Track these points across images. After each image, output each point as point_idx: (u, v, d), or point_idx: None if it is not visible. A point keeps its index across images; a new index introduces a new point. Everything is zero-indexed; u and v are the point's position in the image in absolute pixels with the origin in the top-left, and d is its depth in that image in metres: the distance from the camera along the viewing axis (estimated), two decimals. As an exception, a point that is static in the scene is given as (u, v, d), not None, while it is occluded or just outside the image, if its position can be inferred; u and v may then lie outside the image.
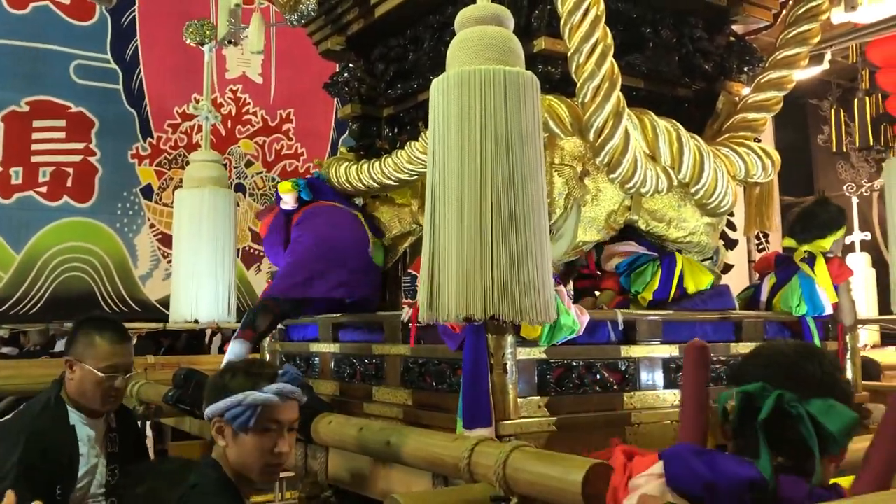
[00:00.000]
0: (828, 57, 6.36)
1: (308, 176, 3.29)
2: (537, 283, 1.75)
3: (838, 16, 6.18)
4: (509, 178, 1.80)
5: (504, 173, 1.80)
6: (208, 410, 1.86)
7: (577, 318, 2.22)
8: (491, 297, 1.75)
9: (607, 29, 2.39)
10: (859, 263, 6.79)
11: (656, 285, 2.65)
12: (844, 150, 8.25)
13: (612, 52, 2.39)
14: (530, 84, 1.87)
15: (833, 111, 8.18)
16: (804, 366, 1.23)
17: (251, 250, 7.49)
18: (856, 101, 7.54)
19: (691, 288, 2.68)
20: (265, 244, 3.26)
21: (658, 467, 1.14)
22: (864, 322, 5.96)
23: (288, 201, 3.09)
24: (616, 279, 2.85)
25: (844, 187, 7.48)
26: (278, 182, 7.89)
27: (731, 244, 3.35)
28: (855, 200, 7.21)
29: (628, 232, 2.76)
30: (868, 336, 6.66)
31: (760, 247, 8.20)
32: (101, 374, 2.30)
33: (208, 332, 6.94)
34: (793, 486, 1.12)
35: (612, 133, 2.42)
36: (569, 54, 2.40)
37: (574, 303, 2.37)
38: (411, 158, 2.88)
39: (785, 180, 10.21)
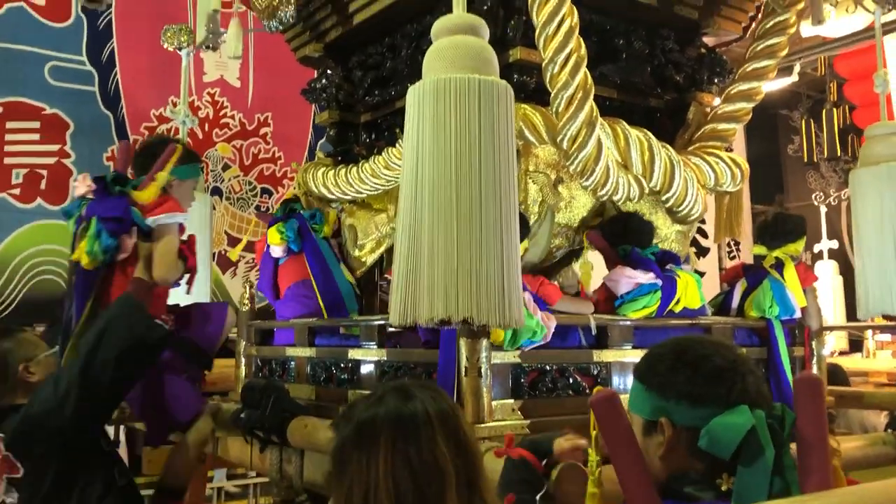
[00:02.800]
0: (797, 69, 6.49)
1: (290, 204, 3.33)
2: (506, 287, 1.78)
3: (808, 29, 6.33)
4: (482, 184, 1.83)
5: (477, 179, 1.83)
6: None
7: (542, 323, 2.26)
8: (461, 301, 1.78)
9: (581, 40, 2.45)
10: (827, 271, 6.92)
11: (648, 312, 2.63)
12: (815, 160, 8.40)
13: (585, 63, 2.45)
14: (504, 93, 1.91)
15: (803, 122, 8.34)
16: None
17: (227, 254, 7.45)
18: (824, 112, 7.69)
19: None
20: (260, 266, 3.34)
21: None
22: (832, 328, 6.08)
23: (276, 251, 3.15)
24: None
25: (813, 196, 7.63)
26: (255, 186, 7.95)
27: (702, 251, 3.42)
28: (823, 209, 7.35)
29: (632, 254, 2.74)
30: (836, 342, 6.80)
31: (731, 254, 8.33)
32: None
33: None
34: None
35: (586, 142, 2.47)
36: (543, 64, 2.45)
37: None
38: (388, 164, 2.92)
39: (756, 189, 10.39)
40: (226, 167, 7.73)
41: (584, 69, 2.43)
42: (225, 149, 7.70)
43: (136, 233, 2.46)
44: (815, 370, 3.12)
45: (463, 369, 2.25)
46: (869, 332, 6.41)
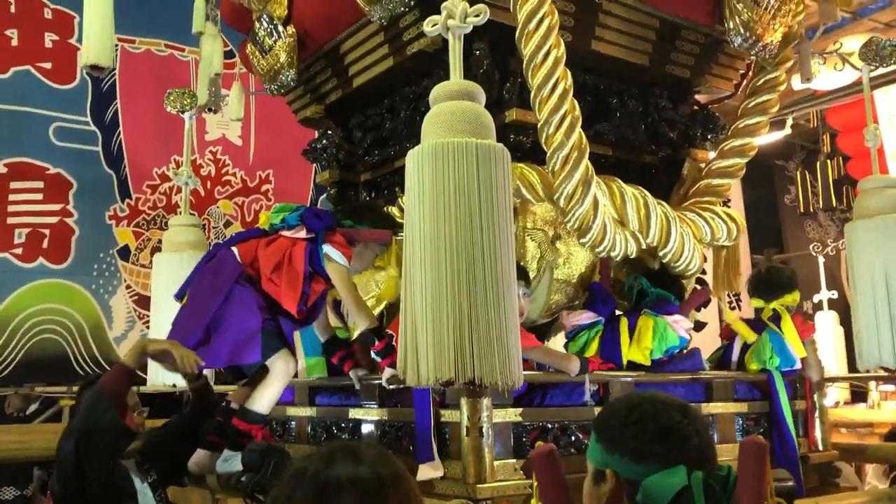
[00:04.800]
0: (789, 122, 6.60)
1: None
2: (506, 345, 1.80)
3: (798, 83, 6.46)
4: (481, 245, 1.86)
5: (476, 239, 1.86)
6: None
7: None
8: (463, 360, 1.79)
9: (575, 101, 2.51)
10: (827, 322, 6.91)
11: (592, 350, 2.70)
12: (812, 209, 8.47)
13: (580, 123, 2.50)
14: (501, 155, 1.95)
15: (798, 173, 8.43)
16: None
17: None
18: (818, 163, 7.79)
19: (637, 356, 2.70)
20: None
21: None
22: (833, 379, 6.05)
23: None
24: None
25: (811, 247, 7.65)
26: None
27: (705, 303, 3.43)
28: (821, 259, 7.36)
29: (597, 293, 2.82)
30: (839, 393, 6.75)
31: (732, 305, 8.33)
32: None
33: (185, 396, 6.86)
34: None
35: (582, 199, 2.51)
36: (539, 125, 2.50)
37: None
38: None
39: (754, 239, 10.44)
40: (228, 224, 7.79)
41: (578, 129, 2.48)
42: (227, 206, 7.77)
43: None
44: (817, 423, 3.11)
45: (464, 429, 2.25)
46: (873, 384, 6.37)
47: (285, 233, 2.71)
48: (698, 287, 3.13)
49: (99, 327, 6.59)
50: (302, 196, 7.83)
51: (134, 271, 6.88)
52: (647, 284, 2.79)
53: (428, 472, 2.31)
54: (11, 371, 6.05)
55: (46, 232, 6.47)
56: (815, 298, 7.34)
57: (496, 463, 2.27)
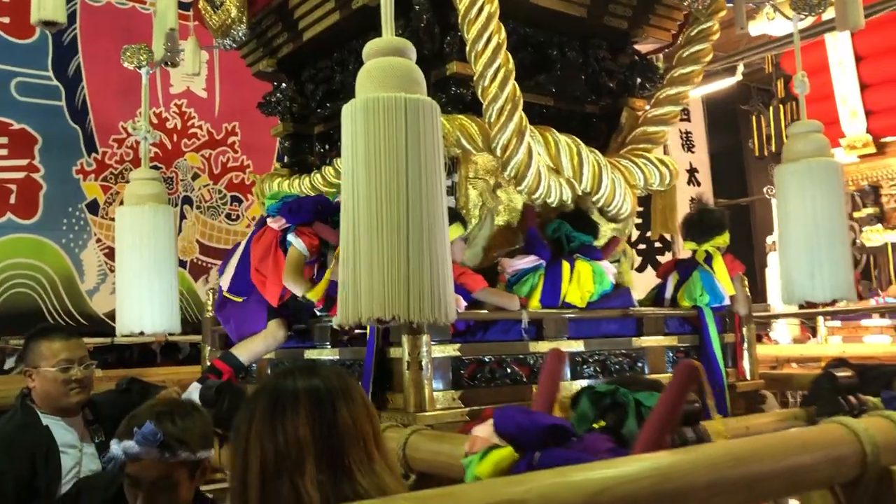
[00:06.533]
0: (740, 68, 6.73)
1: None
2: (437, 286, 1.96)
3: (756, 27, 6.59)
4: (411, 193, 2.00)
5: (406, 188, 2.00)
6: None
7: None
8: (398, 301, 1.95)
9: (509, 55, 2.63)
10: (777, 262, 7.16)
11: (537, 294, 2.84)
12: (766, 154, 8.67)
13: (513, 76, 2.63)
14: (430, 109, 2.08)
15: (754, 118, 8.61)
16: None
17: (199, 262, 7.58)
18: (771, 108, 7.97)
19: (576, 300, 2.87)
20: None
21: (491, 420, 1.41)
22: (777, 316, 6.32)
23: None
24: None
25: (765, 190, 7.88)
26: (225, 194, 8.08)
27: (667, 247, 3.61)
28: (774, 202, 7.59)
29: (534, 239, 2.97)
30: (789, 330, 7.05)
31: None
32: (55, 370, 2.41)
33: (155, 345, 7.04)
34: (597, 441, 1.37)
35: (517, 149, 2.66)
36: (475, 78, 2.64)
37: None
38: (338, 173, 3.09)
39: (719, 184, 10.67)
40: (195, 176, 7.85)
41: (512, 82, 2.61)
42: (194, 158, 7.82)
43: None
44: (745, 354, 3.34)
45: (405, 363, 2.43)
46: (821, 319, 6.67)
47: (270, 222, 2.99)
48: (618, 237, 3.29)
49: (71, 281, 6.70)
50: (269, 148, 7.89)
51: (104, 225, 6.95)
52: (569, 229, 2.94)
53: None
54: (-15, 325, 6.17)
55: (13, 188, 6.50)
56: (769, 240, 7.59)
57: (436, 394, 2.47)
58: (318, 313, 2.82)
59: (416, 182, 2.01)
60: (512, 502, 0.93)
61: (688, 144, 9.81)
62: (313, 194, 3.21)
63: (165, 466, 1.79)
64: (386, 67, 2.10)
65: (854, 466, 1.41)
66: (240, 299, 3.10)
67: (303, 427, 1.27)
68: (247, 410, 1.30)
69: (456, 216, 2.73)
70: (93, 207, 6.94)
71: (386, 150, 2.04)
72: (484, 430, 1.39)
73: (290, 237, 2.94)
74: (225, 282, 3.18)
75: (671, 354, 3.12)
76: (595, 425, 1.45)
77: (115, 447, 1.81)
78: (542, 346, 2.70)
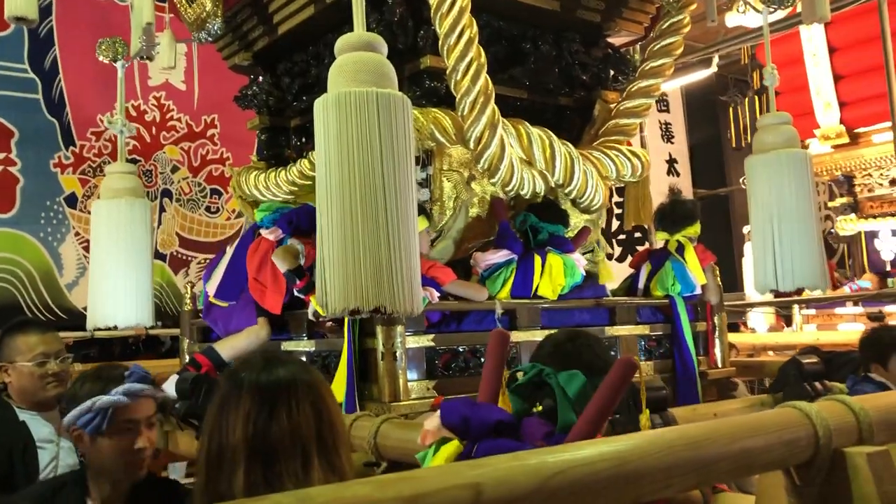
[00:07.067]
0: (716, 59, 6.79)
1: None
2: (406, 278, 2.00)
3: (732, 19, 6.65)
4: (383, 187, 2.03)
5: (378, 182, 2.03)
6: (65, 421, 1.85)
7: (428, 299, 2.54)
8: (368, 292, 1.99)
9: (481, 49, 2.66)
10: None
11: (509, 287, 2.89)
12: (743, 144, 8.77)
13: (486, 70, 2.66)
14: (401, 104, 2.11)
15: (731, 109, 8.69)
16: (564, 346, 1.65)
17: (179, 255, 7.57)
18: (746, 100, 8.05)
19: (547, 293, 2.92)
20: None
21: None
22: (752, 305, 6.41)
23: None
24: None
25: (740, 180, 7.96)
26: (204, 187, 8.06)
27: (647, 237, 3.65)
28: (750, 192, 7.70)
29: (506, 232, 3.00)
30: (765, 318, 7.15)
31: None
32: (31, 365, 2.42)
33: (134, 338, 7.02)
34: (534, 426, 1.42)
35: (489, 142, 2.70)
36: (447, 72, 2.66)
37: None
38: (313, 166, 3.11)
39: (698, 174, 10.75)
40: (175, 169, 7.82)
41: (484, 75, 2.64)
42: (173, 151, 7.78)
43: None
44: (717, 342, 3.40)
45: (380, 354, 2.47)
46: (796, 308, 6.77)
47: (264, 233, 3.03)
48: (589, 227, 3.34)
49: (50, 275, 6.67)
50: (248, 141, 7.87)
51: (82, 218, 6.91)
52: (535, 221, 2.98)
53: None
54: (-37, 320, 6.13)
55: (-10, 181, 6.46)
56: (745, 229, 7.68)
57: (411, 384, 2.51)
58: (297, 293, 2.84)
59: (389, 175, 2.04)
60: (468, 485, 0.97)
61: (667, 135, 9.89)
62: (287, 186, 3.23)
63: (153, 402, 1.93)
64: (357, 62, 2.13)
65: (807, 448, 1.46)
66: (226, 304, 3.13)
67: (239, 427, 1.24)
68: (223, 406, 1.30)
69: (421, 210, 2.76)
70: (71, 201, 6.90)
71: (358, 145, 2.07)
72: (433, 423, 1.43)
73: (290, 241, 3.00)
74: (211, 288, 3.20)
75: (644, 343, 3.17)
76: (534, 409, 1.49)
77: (112, 396, 1.83)
78: (517, 336, 2.75)
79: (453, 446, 1.39)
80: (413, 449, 1.74)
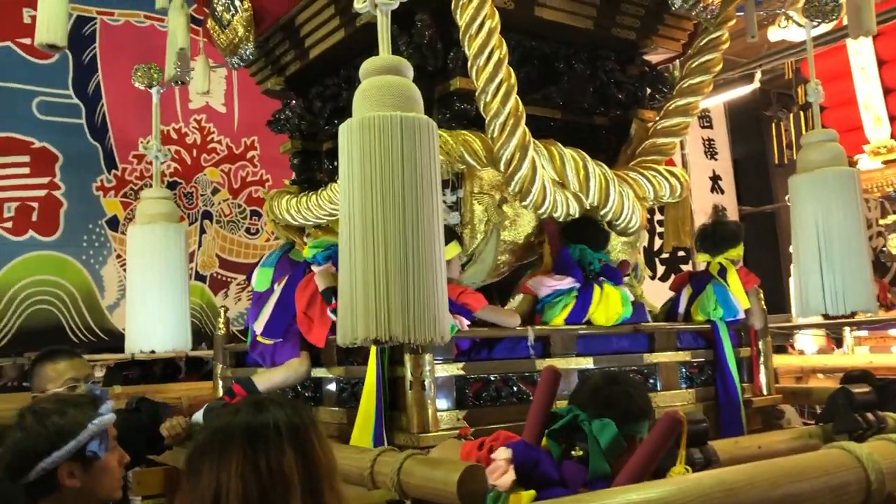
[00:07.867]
0: (758, 75, 6.63)
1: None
2: (430, 306, 1.93)
3: (775, 34, 6.50)
4: (406, 212, 1.98)
5: (401, 207, 1.98)
6: (46, 463, 1.74)
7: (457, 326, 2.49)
8: (392, 321, 1.93)
9: (510, 69, 2.60)
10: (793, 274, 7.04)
11: (566, 315, 2.80)
12: (786, 161, 8.55)
13: (515, 91, 2.60)
14: (426, 127, 2.07)
15: (774, 125, 8.49)
16: (602, 391, 1.63)
17: (219, 276, 7.63)
18: (791, 116, 7.84)
19: (601, 321, 2.83)
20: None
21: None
22: (800, 327, 6.20)
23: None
24: None
25: (786, 198, 7.75)
26: (244, 208, 8.13)
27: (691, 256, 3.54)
28: (796, 211, 7.47)
29: (562, 252, 2.92)
30: (814, 341, 6.91)
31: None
32: (63, 391, 2.42)
33: (179, 360, 7.08)
34: (573, 472, 1.38)
35: (520, 164, 2.63)
36: (476, 94, 2.61)
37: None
38: (344, 191, 3.07)
39: (743, 191, 10.52)
40: (215, 191, 7.91)
41: (514, 97, 2.58)
42: (214, 173, 7.87)
43: None
44: (762, 368, 3.26)
45: (408, 383, 2.41)
46: (847, 329, 6.53)
47: (315, 269, 2.99)
48: (627, 262, 3.24)
49: (91, 296, 6.76)
50: (286, 163, 7.92)
51: (124, 241, 6.99)
52: (590, 254, 2.89)
53: None
54: (8, 342, 6.24)
55: (35, 205, 6.59)
56: (791, 248, 7.46)
57: (440, 414, 2.43)
58: (329, 313, 2.81)
59: (412, 201, 1.99)
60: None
61: (710, 151, 9.71)
62: (317, 210, 3.20)
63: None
64: (382, 86, 2.09)
65: (857, 494, 1.36)
66: (271, 342, 3.11)
67: (288, 462, 1.27)
68: (208, 449, 1.26)
69: (453, 235, 2.70)
70: (113, 223, 7.01)
71: (381, 170, 2.02)
72: (503, 455, 1.50)
73: None
74: (259, 327, 3.18)
75: (684, 370, 3.06)
76: (573, 452, 1.47)
77: (102, 418, 1.84)
78: (550, 363, 2.66)
79: (529, 496, 1.47)
80: (437, 488, 1.67)
